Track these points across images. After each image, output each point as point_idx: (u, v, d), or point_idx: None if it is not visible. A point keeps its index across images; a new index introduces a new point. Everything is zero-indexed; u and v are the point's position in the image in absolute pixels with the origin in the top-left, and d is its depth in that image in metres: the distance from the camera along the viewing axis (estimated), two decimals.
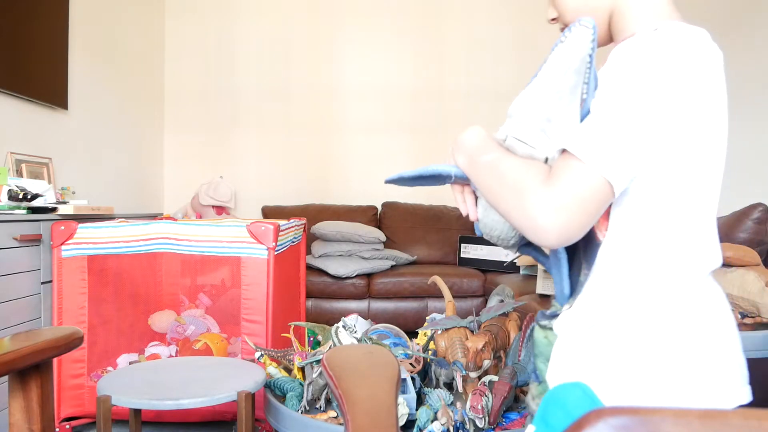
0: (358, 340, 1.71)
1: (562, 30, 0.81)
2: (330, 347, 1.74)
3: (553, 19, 0.86)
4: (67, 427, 2.07)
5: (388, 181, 0.85)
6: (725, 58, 0.71)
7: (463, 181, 0.80)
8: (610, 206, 0.69)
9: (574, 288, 0.75)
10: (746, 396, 0.70)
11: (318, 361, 1.63)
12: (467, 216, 0.82)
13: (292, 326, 1.96)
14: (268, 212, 3.91)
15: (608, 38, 0.81)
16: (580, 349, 0.71)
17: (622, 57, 0.67)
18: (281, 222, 2.20)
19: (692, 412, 0.31)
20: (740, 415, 0.30)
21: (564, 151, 0.65)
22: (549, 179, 0.64)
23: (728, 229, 2.04)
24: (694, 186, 0.69)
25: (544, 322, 0.77)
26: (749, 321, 1.40)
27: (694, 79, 0.65)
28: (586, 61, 0.67)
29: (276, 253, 2.02)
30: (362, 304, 3.27)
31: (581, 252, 0.76)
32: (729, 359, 0.69)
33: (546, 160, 0.70)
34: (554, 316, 0.75)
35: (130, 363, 2.19)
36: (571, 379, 0.70)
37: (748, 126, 2.38)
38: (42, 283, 2.01)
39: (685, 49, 0.65)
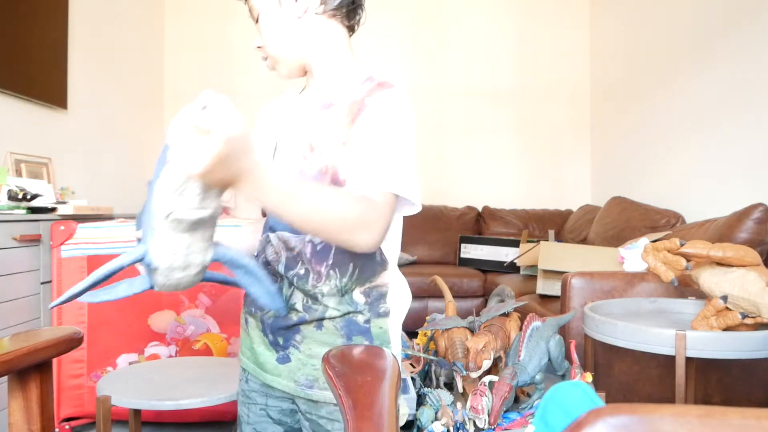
0: None
1: (265, 59, 0.95)
2: None
3: (258, 47, 0.95)
4: (67, 427, 2.07)
5: (53, 306, 0.78)
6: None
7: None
8: None
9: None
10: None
11: None
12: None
13: None
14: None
15: (300, 73, 0.96)
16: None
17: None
18: None
19: (692, 411, 0.31)
20: (739, 414, 0.30)
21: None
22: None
23: (728, 229, 2.04)
24: None
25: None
26: (749, 321, 1.40)
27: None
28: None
29: None
30: None
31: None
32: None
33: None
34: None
35: (130, 363, 2.19)
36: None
37: (747, 126, 2.38)
38: (41, 283, 2.01)
39: (410, 103, 0.87)
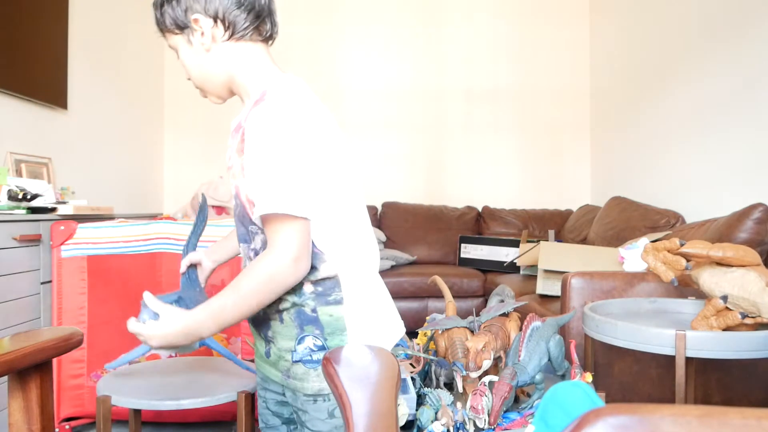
0: None
1: (197, 88, 1.00)
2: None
3: (188, 79, 1.00)
4: (67, 427, 2.07)
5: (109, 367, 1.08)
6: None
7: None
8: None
9: None
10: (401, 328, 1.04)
11: None
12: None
13: None
14: None
15: (229, 94, 1.01)
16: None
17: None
18: None
19: (692, 411, 0.31)
20: (739, 414, 0.30)
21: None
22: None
23: (728, 229, 2.04)
24: None
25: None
26: (749, 321, 1.39)
27: (309, 120, 0.88)
28: None
29: None
30: None
31: None
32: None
33: None
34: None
35: (130, 363, 2.19)
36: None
37: (747, 126, 2.38)
38: (42, 283, 2.01)
39: (281, 112, 0.86)
